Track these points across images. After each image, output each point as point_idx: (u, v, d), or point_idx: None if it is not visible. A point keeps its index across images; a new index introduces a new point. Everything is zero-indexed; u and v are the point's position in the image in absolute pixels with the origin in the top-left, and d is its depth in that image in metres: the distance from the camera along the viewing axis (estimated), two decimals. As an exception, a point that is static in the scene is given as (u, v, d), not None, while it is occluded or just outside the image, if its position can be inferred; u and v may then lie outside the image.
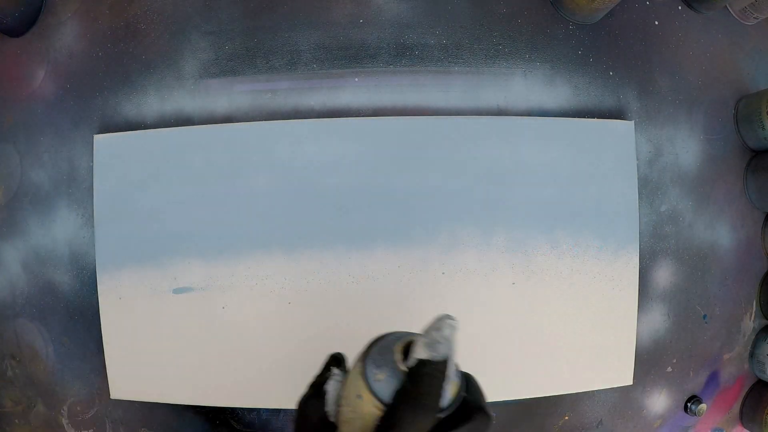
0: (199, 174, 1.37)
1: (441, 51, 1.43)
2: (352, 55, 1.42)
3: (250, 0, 1.43)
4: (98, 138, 1.38)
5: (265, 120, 1.40)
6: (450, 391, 0.50)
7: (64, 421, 1.48)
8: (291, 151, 1.36)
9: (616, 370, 1.45)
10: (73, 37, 1.45)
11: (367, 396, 0.49)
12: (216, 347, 1.38)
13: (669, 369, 1.54)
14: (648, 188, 1.49)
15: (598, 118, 1.45)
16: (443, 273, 1.37)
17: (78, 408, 1.48)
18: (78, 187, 1.44)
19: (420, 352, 0.49)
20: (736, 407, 1.65)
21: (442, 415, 0.49)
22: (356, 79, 1.42)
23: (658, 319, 1.51)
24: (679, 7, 1.52)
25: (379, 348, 0.55)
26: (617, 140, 1.42)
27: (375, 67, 1.42)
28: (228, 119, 1.41)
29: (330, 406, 0.57)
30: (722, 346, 1.58)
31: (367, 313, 1.38)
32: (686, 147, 1.51)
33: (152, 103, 1.43)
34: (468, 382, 0.59)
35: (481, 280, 1.38)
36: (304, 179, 1.36)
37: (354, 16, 1.42)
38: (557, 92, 1.46)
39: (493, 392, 1.40)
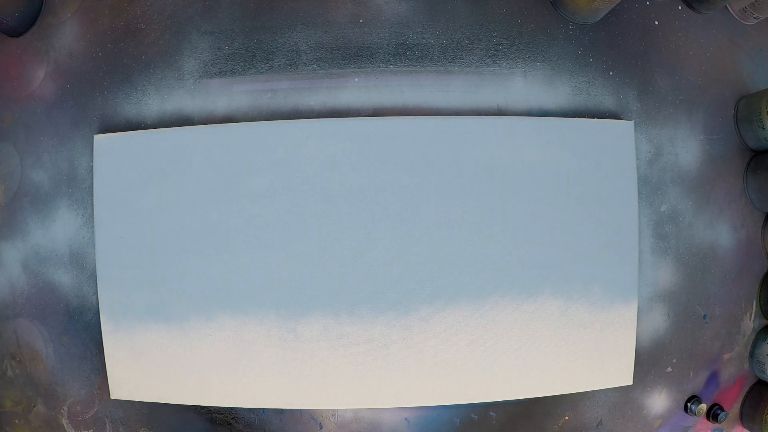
0: (199, 174, 1.37)
1: (441, 51, 1.43)
2: (352, 55, 1.42)
3: (250, 0, 1.43)
4: (98, 138, 1.38)
5: (265, 120, 1.40)
6: None
7: (64, 421, 1.48)
8: (291, 151, 1.36)
9: (616, 370, 1.45)
10: (73, 37, 1.45)
11: None
12: (216, 347, 1.38)
13: (669, 369, 1.54)
14: (648, 188, 1.48)
15: (598, 118, 1.45)
16: (443, 272, 1.38)
17: (78, 408, 1.48)
18: (78, 187, 1.44)
19: None
20: (736, 407, 1.65)
21: None
22: (356, 79, 1.42)
23: (658, 319, 1.51)
24: (679, 7, 1.52)
25: None
26: (617, 140, 1.42)
27: (375, 67, 1.42)
28: (228, 119, 1.41)
29: None
30: (722, 346, 1.57)
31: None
32: (686, 147, 1.51)
33: (152, 103, 1.43)
34: None
35: (481, 281, 1.39)
36: (304, 179, 1.36)
37: (354, 16, 1.42)
38: (557, 92, 1.46)
39: (493, 392, 1.42)
